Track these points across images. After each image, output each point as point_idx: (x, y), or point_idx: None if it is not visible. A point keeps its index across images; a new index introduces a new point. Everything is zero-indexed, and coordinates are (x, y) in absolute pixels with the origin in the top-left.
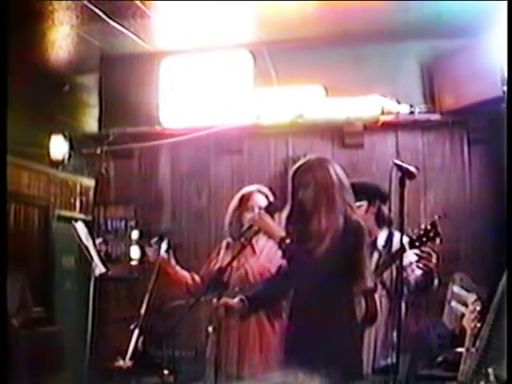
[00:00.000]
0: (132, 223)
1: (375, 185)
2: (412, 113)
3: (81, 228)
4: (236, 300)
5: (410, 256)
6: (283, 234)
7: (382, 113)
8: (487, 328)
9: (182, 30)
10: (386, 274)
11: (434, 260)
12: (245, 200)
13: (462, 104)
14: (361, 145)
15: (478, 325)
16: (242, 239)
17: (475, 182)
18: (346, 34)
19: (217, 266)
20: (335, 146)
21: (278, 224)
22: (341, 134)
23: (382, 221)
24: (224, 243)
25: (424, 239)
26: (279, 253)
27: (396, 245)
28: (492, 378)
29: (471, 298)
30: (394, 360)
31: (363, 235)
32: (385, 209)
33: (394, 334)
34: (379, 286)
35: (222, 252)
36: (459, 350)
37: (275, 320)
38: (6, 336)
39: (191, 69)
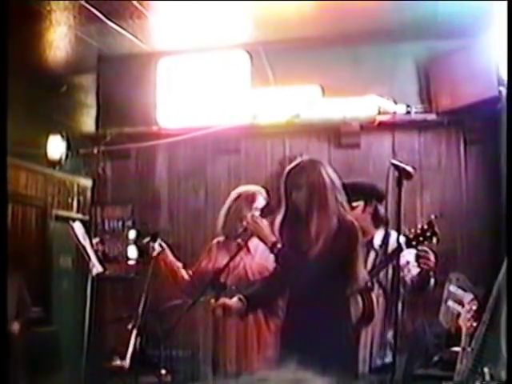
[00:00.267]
0: (129, 223)
1: (372, 184)
2: (408, 113)
3: (78, 228)
4: (234, 299)
5: (407, 255)
6: (274, 238)
7: (379, 113)
8: (483, 327)
9: (180, 30)
10: (382, 274)
11: (431, 259)
12: (241, 200)
13: (459, 104)
14: (357, 145)
15: (474, 324)
16: (239, 240)
17: (471, 182)
18: (343, 34)
19: (210, 265)
20: (332, 146)
21: (271, 227)
22: (337, 134)
23: (378, 220)
24: (215, 242)
25: (421, 238)
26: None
27: (393, 244)
28: (488, 377)
29: (467, 297)
30: (391, 359)
31: (357, 235)
32: (381, 208)
33: (391, 334)
34: (376, 286)
35: (215, 251)
36: (455, 349)
37: (272, 319)
38: (6, 336)
39: (188, 69)
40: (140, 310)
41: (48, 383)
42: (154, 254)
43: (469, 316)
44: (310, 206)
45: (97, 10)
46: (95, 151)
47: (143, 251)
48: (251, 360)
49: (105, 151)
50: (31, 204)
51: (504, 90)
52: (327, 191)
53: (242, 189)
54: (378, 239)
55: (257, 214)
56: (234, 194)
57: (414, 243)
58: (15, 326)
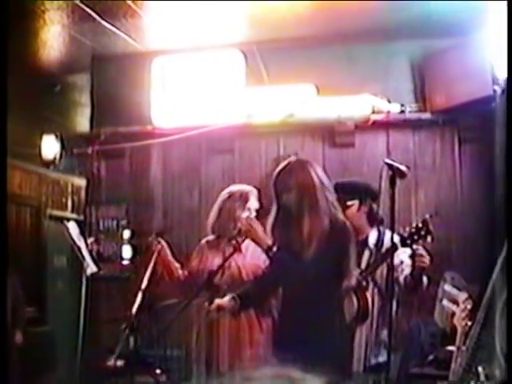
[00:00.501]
0: (123, 222)
1: (366, 184)
2: (403, 112)
3: (72, 228)
4: (227, 298)
5: (402, 254)
6: (269, 241)
7: (373, 112)
8: (477, 327)
9: (174, 29)
10: (377, 273)
11: (425, 258)
12: (233, 199)
13: (453, 103)
14: (352, 144)
15: (469, 323)
16: (233, 242)
17: (466, 181)
18: (337, 33)
19: (202, 265)
20: (326, 145)
21: (265, 229)
22: (332, 133)
23: (373, 219)
24: (205, 241)
25: (415, 237)
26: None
27: (387, 243)
28: (482, 376)
29: (462, 296)
30: (386, 358)
31: (350, 235)
32: (376, 207)
33: (386, 333)
34: (371, 285)
35: (206, 250)
36: (450, 348)
37: (267, 319)
38: (6, 337)
39: (182, 68)
40: (136, 308)
41: (43, 383)
42: (155, 252)
43: (463, 315)
44: (301, 207)
45: (91, 9)
46: (89, 151)
47: (139, 250)
48: (245, 359)
49: (99, 151)
50: (25, 204)
51: (499, 89)
52: (317, 191)
53: (233, 188)
54: (372, 238)
55: (251, 215)
56: (225, 194)
57: (408, 242)
58: (10, 326)
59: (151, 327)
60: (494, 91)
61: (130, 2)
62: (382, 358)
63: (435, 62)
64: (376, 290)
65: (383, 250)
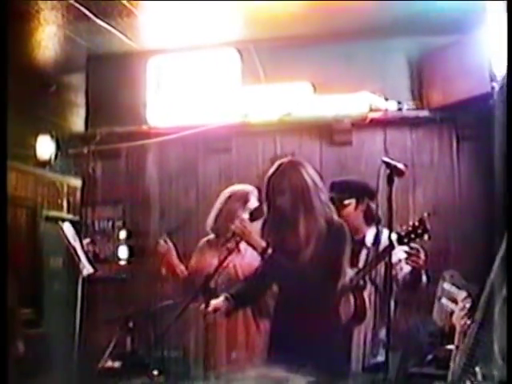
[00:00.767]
0: (119, 223)
1: (364, 182)
2: (400, 110)
3: (68, 229)
4: (221, 299)
5: (399, 253)
6: (263, 243)
7: (371, 110)
8: (475, 326)
9: (169, 28)
10: (374, 272)
11: (422, 257)
12: (234, 199)
13: (451, 100)
14: (349, 142)
15: (468, 322)
16: (228, 245)
17: (464, 179)
18: (334, 31)
19: (202, 265)
20: (323, 144)
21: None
22: (329, 132)
23: (370, 218)
24: (205, 240)
25: (412, 236)
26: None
27: (384, 242)
28: (480, 376)
29: (461, 295)
30: (384, 358)
31: (345, 235)
32: (373, 206)
33: (384, 332)
34: (368, 284)
35: (206, 250)
36: (449, 347)
37: (264, 321)
38: (6, 337)
39: (178, 67)
40: (131, 310)
41: None
42: (162, 251)
43: (462, 314)
44: (295, 208)
45: (86, 8)
46: (85, 151)
47: (136, 251)
48: (242, 360)
49: (95, 151)
50: (21, 205)
51: (497, 86)
52: (311, 192)
53: (235, 188)
54: (369, 237)
55: (245, 217)
56: (226, 193)
57: (405, 240)
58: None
59: (148, 328)
60: (492, 88)
61: (125, 2)
62: (381, 358)
63: (433, 59)
64: (374, 289)
65: (380, 248)
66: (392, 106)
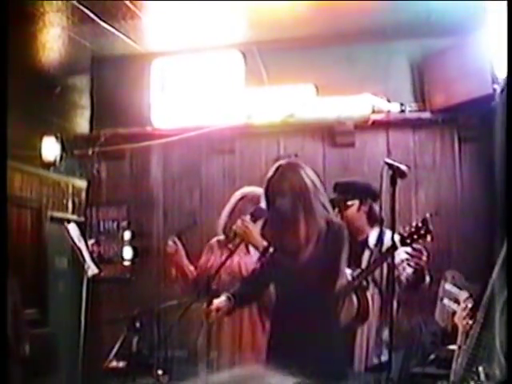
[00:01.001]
0: (124, 224)
1: (366, 183)
2: (403, 111)
3: (73, 229)
4: (222, 298)
5: (402, 254)
6: (265, 243)
7: (373, 111)
8: (477, 326)
9: (173, 30)
10: (377, 272)
11: (424, 257)
12: (245, 201)
13: (453, 102)
14: (352, 144)
15: (470, 322)
16: (230, 245)
17: (466, 180)
18: (337, 33)
19: (211, 265)
20: (326, 145)
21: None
22: (332, 133)
23: (373, 219)
24: (215, 240)
25: (415, 236)
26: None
27: (387, 243)
28: (482, 376)
29: (463, 295)
30: (387, 358)
31: (344, 236)
32: (376, 207)
33: (387, 332)
34: (371, 284)
35: (216, 250)
36: (451, 347)
37: (267, 320)
38: (6, 339)
39: (182, 69)
40: (136, 310)
41: None
42: (171, 252)
43: (464, 314)
44: (295, 211)
45: (90, 11)
46: (90, 152)
47: (140, 251)
48: (246, 360)
49: (99, 152)
50: (26, 205)
51: (499, 88)
52: (310, 195)
53: (246, 190)
54: (372, 238)
55: (247, 217)
56: (238, 195)
57: (408, 241)
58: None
59: (153, 328)
60: (494, 90)
61: (129, 4)
62: (384, 358)
63: (435, 61)
64: (376, 290)
65: (383, 249)
66: (394, 107)
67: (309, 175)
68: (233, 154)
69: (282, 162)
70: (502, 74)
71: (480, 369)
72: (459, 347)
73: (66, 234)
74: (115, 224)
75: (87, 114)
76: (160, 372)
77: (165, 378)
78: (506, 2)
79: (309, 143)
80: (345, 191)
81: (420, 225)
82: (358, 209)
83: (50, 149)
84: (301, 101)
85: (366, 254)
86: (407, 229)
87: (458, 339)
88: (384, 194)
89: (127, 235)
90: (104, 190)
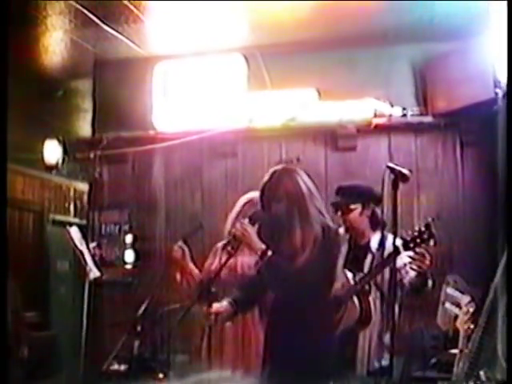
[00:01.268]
0: (126, 227)
1: (369, 187)
2: (404, 115)
3: (75, 232)
4: (224, 304)
5: (404, 258)
6: (263, 246)
7: (375, 115)
8: (479, 330)
9: (176, 34)
10: (379, 276)
11: (427, 261)
12: (251, 205)
13: (455, 106)
14: (354, 147)
15: (472, 326)
16: (228, 248)
17: (468, 184)
18: (339, 37)
19: (214, 268)
20: (328, 149)
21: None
22: (334, 137)
23: (375, 223)
24: (221, 244)
25: (418, 241)
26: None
27: (390, 247)
28: (484, 380)
29: (465, 299)
30: (388, 362)
31: (341, 241)
32: (379, 211)
33: (388, 336)
34: (373, 289)
35: (221, 253)
36: (453, 351)
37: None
38: (6, 340)
39: (185, 73)
40: (139, 313)
41: None
42: (177, 257)
43: (466, 318)
44: (291, 216)
45: (93, 14)
46: (92, 155)
47: (142, 254)
48: (247, 363)
49: (101, 155)
50: (28, 209)
51: (501, 92)
52: (306, 200)
53: (253, 194)
54: (374, 242)
55: (246, 221)
56: (244, 199)
57: (411, 245)
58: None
59: (154, 331)
60: (496, 94)
61: (132, 7)
62: (385, 362)
63: (437, 65)
64: (378, 294)
65: (386, 253)
66: (396, 111)
67: (304, 181)
68: (235, 158)
69: (277, 167)
70: (503, 79)
71: (481, 373)
72: (461, 351)
73: (68, 237)
74: (117, 227)
75: (89, 117)
76: (161, 375)
77: (165, 382)
78: (505, 2)
79: (311, 147)
80: (347, 195)
81: (423, 229)
82: (361, 213)
83: (52, 152)
84: (303, 104)
85: (369, 258)
86: (410, 233)
87: (459, 343)
88: (386, 198)
89: (129, 238)
90: (106, 194)
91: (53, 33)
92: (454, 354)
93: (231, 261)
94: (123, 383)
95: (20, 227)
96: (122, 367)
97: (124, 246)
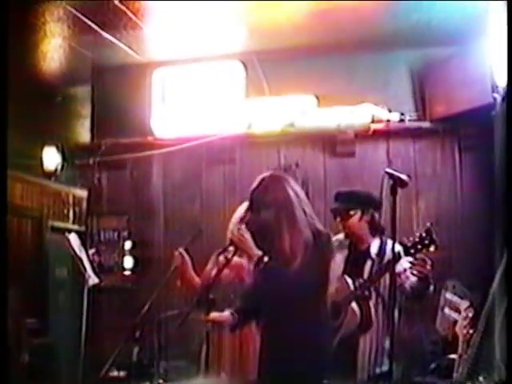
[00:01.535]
0: (125, 233)
1: (368, 193)
2: (403, 121)
3: (74, 239)
4: (226, 314)
5: (404, 263)
6: (260, 252)
7: (373, 121)
8: (478, 335)
9: (174, 40)
10: (379, 282)
11: (428, 266)
12: None
13: (453, 111)
14: (352, 153)
15: (471, 331)
16: (225, 254)
17: (466, 189)
18: (337, 42)
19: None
20: (327, 155)
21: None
22: (332, 143)
23: (375, 229)
24: (219, 251)
25: (419, 246)
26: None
27: (390, 253)
28: None
29: (464, 304)
30: (388, 367)
31: (332, 244)
32: (378, 217)
33: (388, 342)
34: (374, 294)
35: (216, 260)
36: (452, 356)
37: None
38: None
39: (183, 79)
40: (138, 320)
41: None
42: (177, 264)
43: (465, 323)
44: (280, 222)
45: (91, 21)
46: (91, 162)
47: (141, 261)
48: (246, 370)
49: (100, 162)
50: (27, 215)
51: (499, 97)
52: (294, 206)
53: None
54: (374, 248)
55: (243, 226)
56: (246, 205)
57: (412, 251)
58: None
59: (153, 337)
60: (494, 99)
61: (130, 14)
62: (385, 367)
63: (435, 70)
64: (379, 300)
65: (385, 259)
66: (395, 117)
67: (293, 187)
68: (233, 164)
69: (265, 174)
70: (502, 83)
71: (480, 378)
72: (460, 356)
73: (67, 244)
74: (116, 234)
75: (88, 123)
76: (160, 381)
77: None
78: (505, 7)
79: (309, 152)
80: (346, 201)
81: (424, 235)
82: (360, 218)
83: (51, 158)
84: (301, 110)
85: (368, 263)
86: (411, 239)
87: (458, 348)
88: (384, 204)
89: (128, 245)
90: (105, 200)
91: (51, 39)
92: (454, 359)
93: (230, 267)
94: None
95: (19, 234)
96: (121, 373)
97: (123, 253)
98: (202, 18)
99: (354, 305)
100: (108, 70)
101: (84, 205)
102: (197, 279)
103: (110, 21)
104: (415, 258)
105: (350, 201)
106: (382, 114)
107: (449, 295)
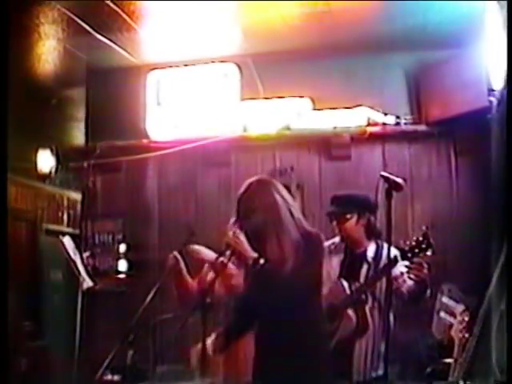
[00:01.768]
0: (119, 236)
1: (364, 196)
2: (398, 124)
3: (68, 242)
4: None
5: (400, 267)
6: (256, 254)
7: (369, 124)
8: (473, 339)
9: (169, 43)
10: (375, 286)
11: (425, 270)
12: None
13: (449, 115)
14: (348, 156)
15: (467, 335)
16: (222, 258)
17: (462, 193)
18: (333, 46)
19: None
20: (322, 158)
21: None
22: (328, 146)
23: (371, 232)
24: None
25: (416, 250)
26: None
27: (386, 256)
28: None
29: (459, 308)
30: (383, 371)
31: (323, 244)
32: (374, 220)
33: (384, 345)
34: (370, 298)
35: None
36: (448, 360)
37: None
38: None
39: (178, 82)
40: (133, 323)
41: None
42: (172, 267)
43: (461, 327)
44: (268, 227)
45: (86, 23)
46: (85, 165)
47: (135, 264)
48: (242, 374)
49: (95, 164)
50: (21, 218)
51: (495, 100)
52: (280, 209)
53: None
54: (371, 252)
55: (238, 230)
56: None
57: (409, 255)
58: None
59: (148, 341)
60: (490, 102)
61: (125, 16)
62: (381, 371)
63: (431, 73)
64: (375, 303)
65: (382, 263)
66: (390, 120)
67: (279, 191)
68: (228, 167)
69: (252, 178)
70: (498, 86)
71: (476, 382)
72: (455, 360)
73: (61, 247)
74: (110, 237)
75: (83, 126)
76: None
77: None
78: (504, 11)
79: (305, 155)
80: (342, 204)
81: (421, 239)
82: (356, 222)
83: (46, 161)
84: (297, 113)
85: (365, 267)
86: (408, 243)
87: (454, 352)
88: (380, 208)
89: (122, 248)
90: (99, 203)
91: (46, 41)
92: (449, 363)
93: (226, 270)
94: None
95: (13, 236)
96: (116, 377)
97: (117, 256)
98: (197, 21)
99: (350, 309)
100: (103, 72)
101: (78, 208)
102: (191, 282)
103: (105, 23)
104: (411, 262)
105: (346, 204)
106: (378, 117)
107: (445, 299)
